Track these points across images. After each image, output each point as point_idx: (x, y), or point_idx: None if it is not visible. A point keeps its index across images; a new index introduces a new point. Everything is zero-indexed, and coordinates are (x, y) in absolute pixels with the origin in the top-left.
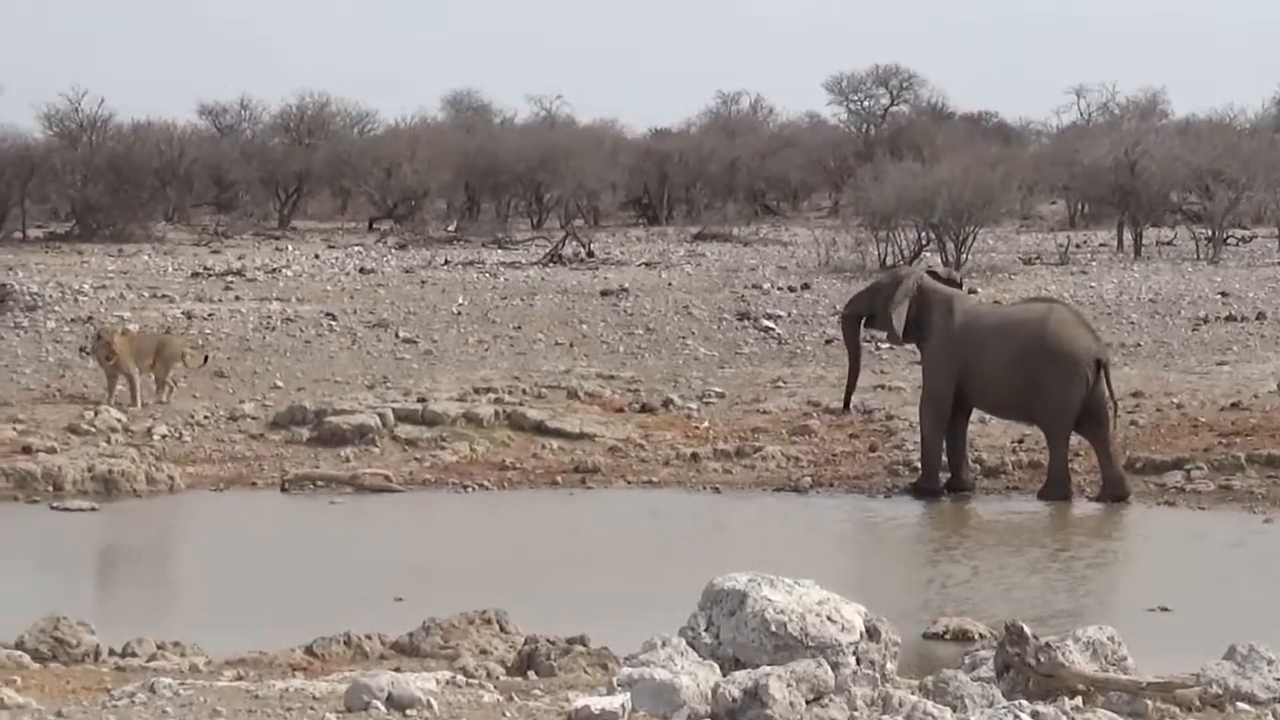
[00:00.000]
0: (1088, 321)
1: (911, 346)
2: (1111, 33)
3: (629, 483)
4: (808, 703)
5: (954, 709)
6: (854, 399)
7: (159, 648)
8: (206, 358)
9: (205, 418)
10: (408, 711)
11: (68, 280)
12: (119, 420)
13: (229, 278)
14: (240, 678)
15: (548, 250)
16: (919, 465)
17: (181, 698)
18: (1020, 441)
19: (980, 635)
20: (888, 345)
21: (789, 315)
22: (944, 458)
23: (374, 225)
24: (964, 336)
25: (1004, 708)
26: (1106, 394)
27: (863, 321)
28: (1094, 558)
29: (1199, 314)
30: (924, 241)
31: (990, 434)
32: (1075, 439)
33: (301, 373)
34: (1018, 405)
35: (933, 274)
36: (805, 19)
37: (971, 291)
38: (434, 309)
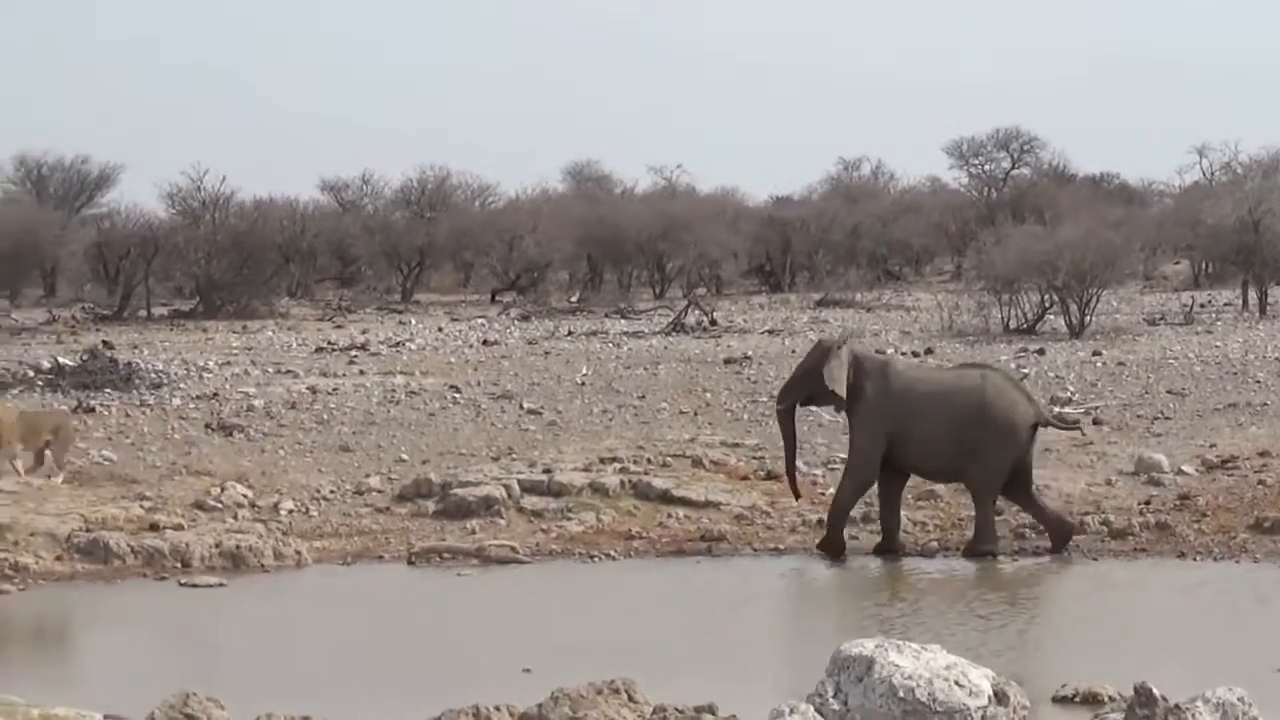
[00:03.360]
0: (1022, 385)
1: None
2: (1233, 91)
3: (755, 551)
4: None
5: None
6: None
7: None
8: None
9: (331, 492)
10: None
11: (193, 357)
12: (245, 496)
13: (353, 352)
14: None
15: (670, 319)
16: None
17: None
18: (1147, 503)
19: (1110, 698)
20: None
21: None
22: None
23: (496, 297)
24: (901, 403)
25: None
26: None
27: (797, 406)
28: (1222, 618)
29: None
30: (1047, 304)
31: (1116, 495)
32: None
33: (426, 445)
34: (950, 471)
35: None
36: (924, 83)
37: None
38: (558, 379)
